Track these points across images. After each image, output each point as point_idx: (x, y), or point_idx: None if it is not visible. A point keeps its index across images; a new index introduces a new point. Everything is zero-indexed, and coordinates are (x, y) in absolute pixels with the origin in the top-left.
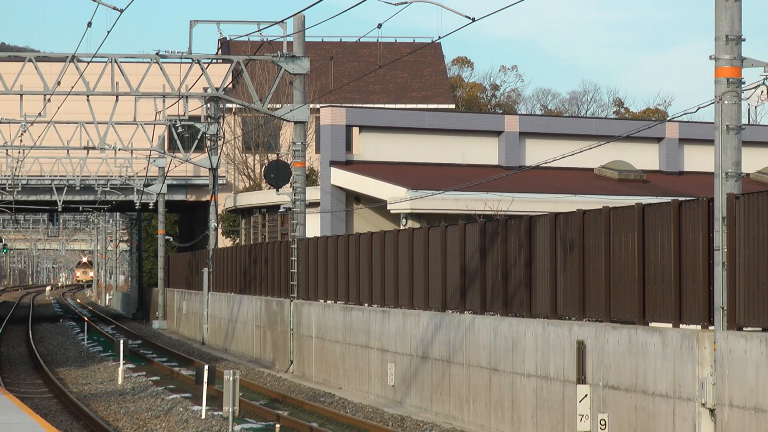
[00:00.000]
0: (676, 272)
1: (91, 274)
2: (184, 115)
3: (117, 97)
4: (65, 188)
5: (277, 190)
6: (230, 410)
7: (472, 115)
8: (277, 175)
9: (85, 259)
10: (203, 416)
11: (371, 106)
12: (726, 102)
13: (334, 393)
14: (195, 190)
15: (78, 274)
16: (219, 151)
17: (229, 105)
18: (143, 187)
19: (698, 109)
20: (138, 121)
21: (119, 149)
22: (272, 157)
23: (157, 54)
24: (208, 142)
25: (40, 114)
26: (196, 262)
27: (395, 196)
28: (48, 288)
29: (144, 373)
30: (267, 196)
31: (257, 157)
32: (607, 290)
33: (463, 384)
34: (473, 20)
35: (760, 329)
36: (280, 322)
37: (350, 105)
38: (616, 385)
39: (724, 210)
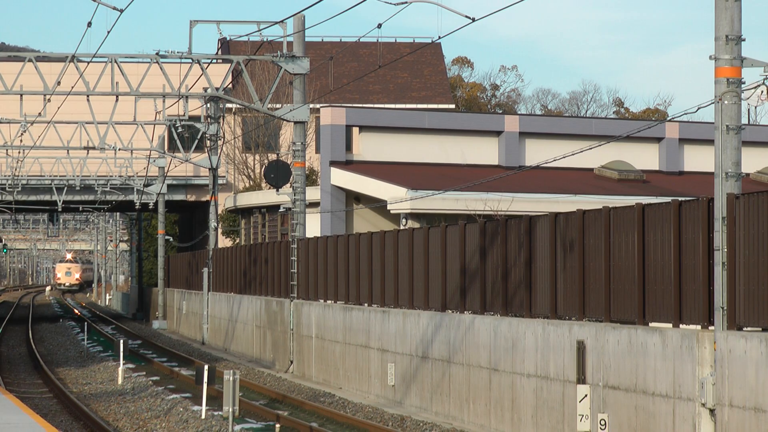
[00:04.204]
0: (676, 272)
1: (78, 275)
2: (184, 115)
3: (117, 97)
4: (65, 188)
5: (277, 190)
6: (230, 410)
7: (472, 115)
8: (277, 175)
9: (69, 256)
10: (203, 416)
11: (371, 106)
12: (726, 102)
13: (334, 393)
14: (195, 190)
15: (58, 275)
16: (219, 151)
17: (229, 105)
18: (143, 187)
19: (698, 109)
20: (138, 121)
21: (119, 149)
22: (272, 157)
23: (157, 54)
24: (208, 142)
25: (40, 114)
26: (196, 262)
27: (395, 196)
28: (48, 288)
29: (144, 373)
30: (267, 196)
31: (257, 157)
32: (607, 290)
33: (463, 384)
34: (473, 20)
35: (760, 329)
36: (280, 322)
37: (350, 105)
38: (616, 385)
39: (724, 210)
